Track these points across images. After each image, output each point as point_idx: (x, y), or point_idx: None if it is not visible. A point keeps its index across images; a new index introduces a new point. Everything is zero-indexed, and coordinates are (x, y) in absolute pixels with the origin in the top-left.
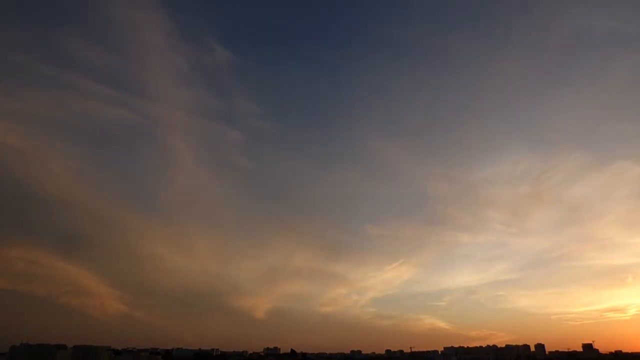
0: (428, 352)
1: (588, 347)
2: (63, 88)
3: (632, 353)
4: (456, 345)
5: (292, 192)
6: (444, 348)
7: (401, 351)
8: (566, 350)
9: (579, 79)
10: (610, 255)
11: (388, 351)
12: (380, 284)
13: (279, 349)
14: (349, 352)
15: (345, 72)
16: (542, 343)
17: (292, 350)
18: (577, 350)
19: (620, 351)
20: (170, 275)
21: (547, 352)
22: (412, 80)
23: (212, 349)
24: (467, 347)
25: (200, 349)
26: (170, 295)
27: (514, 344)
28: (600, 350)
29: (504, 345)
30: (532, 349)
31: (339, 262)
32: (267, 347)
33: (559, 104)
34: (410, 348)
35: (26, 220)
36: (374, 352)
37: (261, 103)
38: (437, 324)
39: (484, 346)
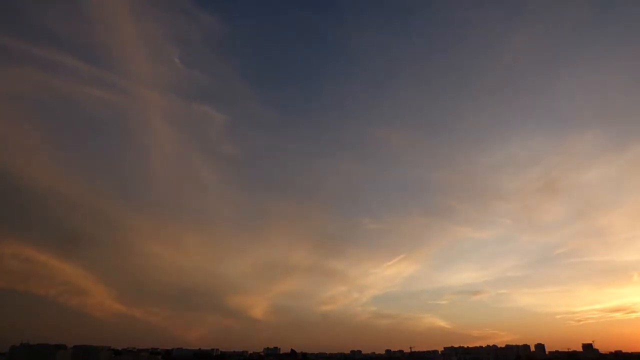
0: (428, 352)
1: (588, 347)
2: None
3: (632, 353)
4: (457, 345)
5: (287, 182)
6: (444, 348)
7: (401, 351)
8: (566, 350)
9: (597, 53)
10: (618, 251)
11: (388, 351)
12: (380, 282)
13: (279, 349)
14: (349, 352)
15: (343, 49)
16: (542, 343)
17: (292, 350)
18: (577, 350)
19: (621, 351)
20: (162, 272)
21: (547, 352)
22: (412, 58)
23: (212, 349)
24: (467, 347)
25: (200, 349)
26: (164, 294)
27: (514, 343)
28: (600, 350)
29: (504, 345)
30: (532, 348)
31: (338, 258)
32: (267, 347)
33: (574, 82)
34: (410, 348)
35: (13, 214)
36: (374, 352)
37: (251, 80)
38: (438, 323)
39: (484, 346)
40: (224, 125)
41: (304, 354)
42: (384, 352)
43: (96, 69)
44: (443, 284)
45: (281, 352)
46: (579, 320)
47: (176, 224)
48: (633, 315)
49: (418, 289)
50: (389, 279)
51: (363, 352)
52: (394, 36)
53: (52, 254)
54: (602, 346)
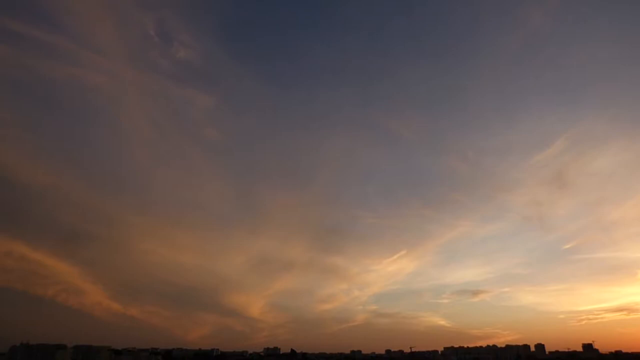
0: (428, 352)
1: (588, 347)
2: None
3: (632, 353)
4: (458, 345)
5: (278, 169)
6: (444, 348)
7: (401, 351)
8: (566, 350)
9: (614, 29)
10: (626, 246)
11: (388, 351)
12: (381, 279)
13: (279, 349)
14: (349, 352)
15: (342, 22)
16: (542, 343)
17: (292, 350)
18: (577, 350)
19: (621, 351)
20: (156, 270)
21: (547, 352)
22: (414, 34)
23: (212, 349)
24: (467, 347)
25: (200, 349)
26: (159, 293)
27: (516, 343)
28: (600, 351)
29: (504, 346)
30: (532, 348)
31: (337, 254)
32: (267, 347)
33: (589, 59)
34: (410, 348)
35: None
36: (374, 352)
37: (239, 56)
38: (439, 322)
39: (484, 346)
40: (210, 107)
41: (304, 354)
42: (384, 352)
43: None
44: (445, 282)
45: (281, 352)
46: (581, 320)
47: (167, 218)
48: (634, 315)
49: (419, 286)
50: (389, 277)
51: (363, 352)
52: (395, 10)
53: (46, 252)
54: (602, 346)
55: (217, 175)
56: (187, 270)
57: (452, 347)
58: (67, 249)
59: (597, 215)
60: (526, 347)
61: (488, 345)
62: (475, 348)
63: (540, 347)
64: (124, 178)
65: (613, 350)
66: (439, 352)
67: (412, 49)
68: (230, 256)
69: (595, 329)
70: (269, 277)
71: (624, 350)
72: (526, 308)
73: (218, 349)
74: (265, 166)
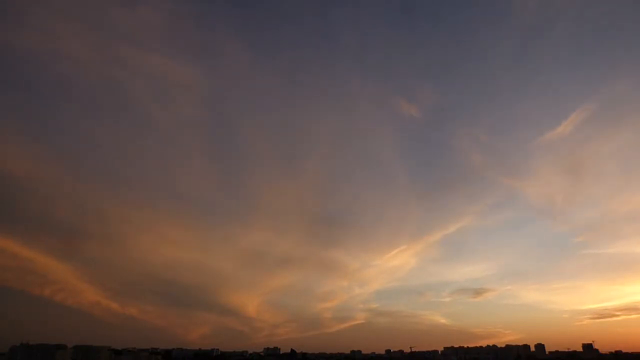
0: (428, 352)
1: (588, 347)
2: None
3: (632, 353)
4: (459, 344)
5: (266, 151)
6: (444, 348)
7: (401, 351)
8: (566, 350)
9: None
10: (636, 241)
11: (388, 351)
12: (381, 275)
13: (279, 349)
14: (349, 352)
15: None
16: (543, 343)
17: (292, 350)
18: (577, 350)
19: (621, 351)
20: (148, 268)
21: (547, 352)
22: None
23: (212, 349)
24: (467, 346)
25: (200, 349)
26: (153, 291)
27: (516, 343)
28: (600, 351)
29: (504, 345)
30: (532, 348)
31: (335, 246)
32: (267, 347)
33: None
34: (410, 348)
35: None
36: (374, 352)
37: (220, 17)
38: (440, 321)
39: (484, 346)
40: (191, 82)
41: (304, 354)
42: (384, 352)
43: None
44: (447, 278)
45: (281, 352)
46: (586, 319)
47: (154, 209)
48: (635, 315)
49: (421, 283)
50: (391, 272)
51: (363, 352)
52: None
53: (40, 250)
54: (602, 346)
55: (199, 160)
56: (181, 267)
57: (452, 347)
58: (58, 245)
59: (608, 206)
60: (526, 347)
61: (488, 345)
62: (476, 348)
63: (540, 347)
64: (116, 170)
65: (613, 350)
66: (439, 352)
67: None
68: (223, 251)
69: (594, 329)
70: (264, 274)
71: (624, 350)
72: (530, 307)
73: (218, 349)
74: (250, 147)
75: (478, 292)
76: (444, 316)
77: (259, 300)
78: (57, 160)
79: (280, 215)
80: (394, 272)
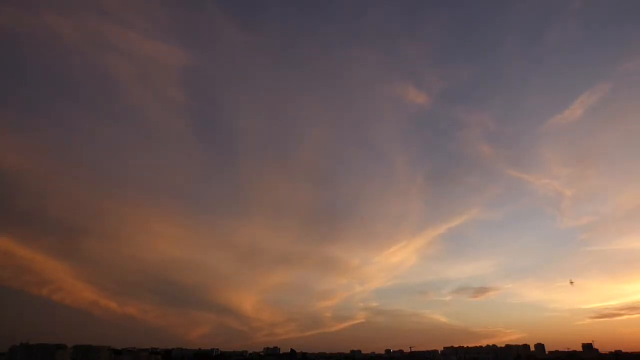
0: (428, 352)
1: (588, 347)
2: None
3: (632, 353)
4: (460, 344)
5: (258, 138)
6: (444, 348)
7: (401, 351)
8: (566, 350)
9: None
10: None
11: (388, 351)
12: (382, 273)
13: (279, 349)
14: (349, 352)
15: None
16: (542, 343)
17: (292, 350)
18: (577, 350)
19: (621, 351)
20: (144, 267)
21: (547, 352)
22: None
23: (212, 349)
24: (467, 346)
25: (200, 349)
26: (148, 289)
27: (517, 343)
28: (600, 351)
29: (504, 345)
30: (532, 348)
31: (334, 242)
32: (267, 347)
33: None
34: (410, 348)
35: None
36: (374, 352)
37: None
38: (440, 320)
39: (484, 346)
40: (176, 63)
41: (304, 354)
42: (384, 352)
43: None
44: (448, 277)
45: (281, 352)
46: (586, 319)
47: (144, 203)
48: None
49: (421, 281)
50: (391, 270)
51: (363, 352)
52: None
53: (36, 249)
54: (602, 346)
55: (189, 149)
56: (177, 264)
57: (452, 347)
58: (55, 243)
59: (621, 198)
60: (526, 347)
61: (488, 345)
62: (476, 348)
63: (540, 347)
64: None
65: (613, 350)
66: (439, 352)
67: None
68: (219, 247)
69: (594, 329)
70: (261, 271)
71: (624, 351)
72: (531, 306)
73: (218, 349)
74: (243, 137)
75: (480, 291)
76: (445, 315)
77: (257, 299)
78: (44, 152)
79: (275, 208)
80: (394, 269)
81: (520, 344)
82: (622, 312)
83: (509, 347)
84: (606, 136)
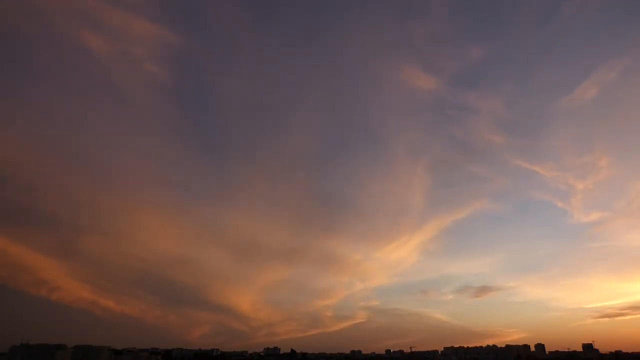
0: (428, 352)
1: (588, 347)
2: None
3: (632, 353)
4: (460, 344)
5: (247, 119)
6: (444, 348)
7: (401, 351)
8: (566, 350)
9: None
10: None
11: (388, 351)
12: (383, 270)
13: (279, 348)
14: (349, 352)
15: None
16: (543, 343)
17: (292, 350)
18: (578, 350)
19: (621, 351)
20: (141, 265)
21: (547, 352)
22: None
23: (212, 349)
24: (467, 346)
25: (200, 349)
26: (148, 289)
27: (517, 343)
28: (600, 351)
29: (504, 345)
30: (532, 348)
31: (332, 237)
32: (267, 347)
33: None
34: (410, 348)
35: None
36: (374, 352)
37: None
38: (441, 319)
39: (484, 346)
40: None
41: (304, 354)
42: (384, 352)
43: None
44: (449, 275)
45: (281, 352)
46: (588, 318)
47: (138, 199)
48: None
49: (422, 279)
50: (392, 267)
51: (363, 352)
52: None
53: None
54: (602, 346)
55: (173, 144)
56: (173, 262)
57: (452, 347)
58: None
59: (636, 189)
60: (526, 347)
61: (488, 346)
62: (476, 348)
63: (540, 347)
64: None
65: (613, 350)
66: (439, 352)
67: None
68: (213, 242)
69: (599, 329)
70: (257, 267)
71: (623, 351)
72: (533, 304)
73: (218, 349)
74: (230, 125)
75: (481, 290)
76: (446, 314)
77: (255, 297)
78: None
79: (269, 198)
80: (395, 267)
81: (521, 344)
82: (625, 311)
83: (509, 347)
84: (621, 120)
